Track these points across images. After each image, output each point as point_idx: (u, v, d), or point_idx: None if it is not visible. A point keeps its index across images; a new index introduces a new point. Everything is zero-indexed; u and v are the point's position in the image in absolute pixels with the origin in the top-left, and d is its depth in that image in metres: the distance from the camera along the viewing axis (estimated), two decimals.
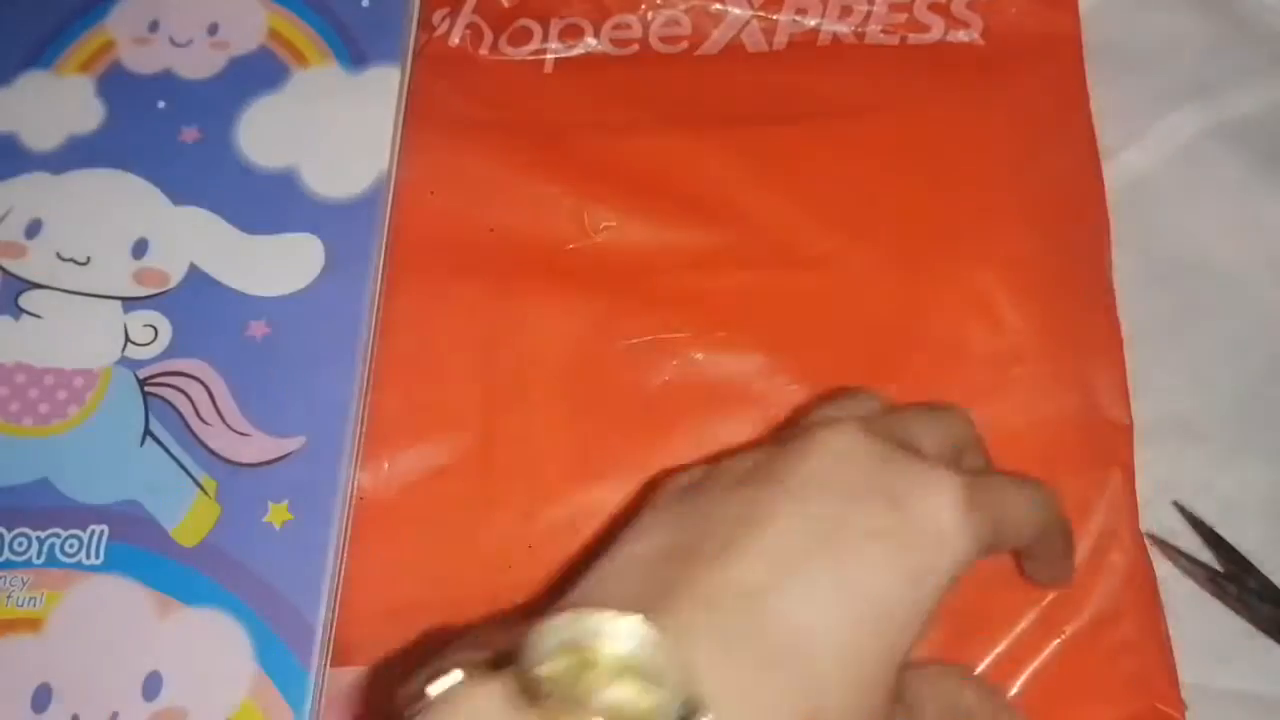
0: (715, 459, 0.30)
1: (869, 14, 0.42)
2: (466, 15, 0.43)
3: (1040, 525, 0.30)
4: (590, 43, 0.43)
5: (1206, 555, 0.36)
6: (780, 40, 0.43)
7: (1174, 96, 0.41)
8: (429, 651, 0.26)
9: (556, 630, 0.20)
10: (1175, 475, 0.37)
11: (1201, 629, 0.35)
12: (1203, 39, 0.42)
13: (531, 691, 0.20)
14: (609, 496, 0.36)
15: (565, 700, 0.20)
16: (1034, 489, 0.30)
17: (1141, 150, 0.41)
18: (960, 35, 0.42)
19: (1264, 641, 0.35)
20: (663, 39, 0.43)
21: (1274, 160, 0.40)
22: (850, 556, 0.26)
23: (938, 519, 0.27)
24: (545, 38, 0.43)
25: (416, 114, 0.41)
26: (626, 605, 0.24)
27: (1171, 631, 0.35)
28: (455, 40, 0.43)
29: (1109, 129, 0.41)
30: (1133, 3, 0.43)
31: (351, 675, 0.35)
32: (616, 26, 0.43)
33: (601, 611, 0.21)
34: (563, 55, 0.43)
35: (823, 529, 0.26)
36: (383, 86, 0.40)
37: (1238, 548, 0.36)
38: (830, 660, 0.25)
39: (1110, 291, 0.38)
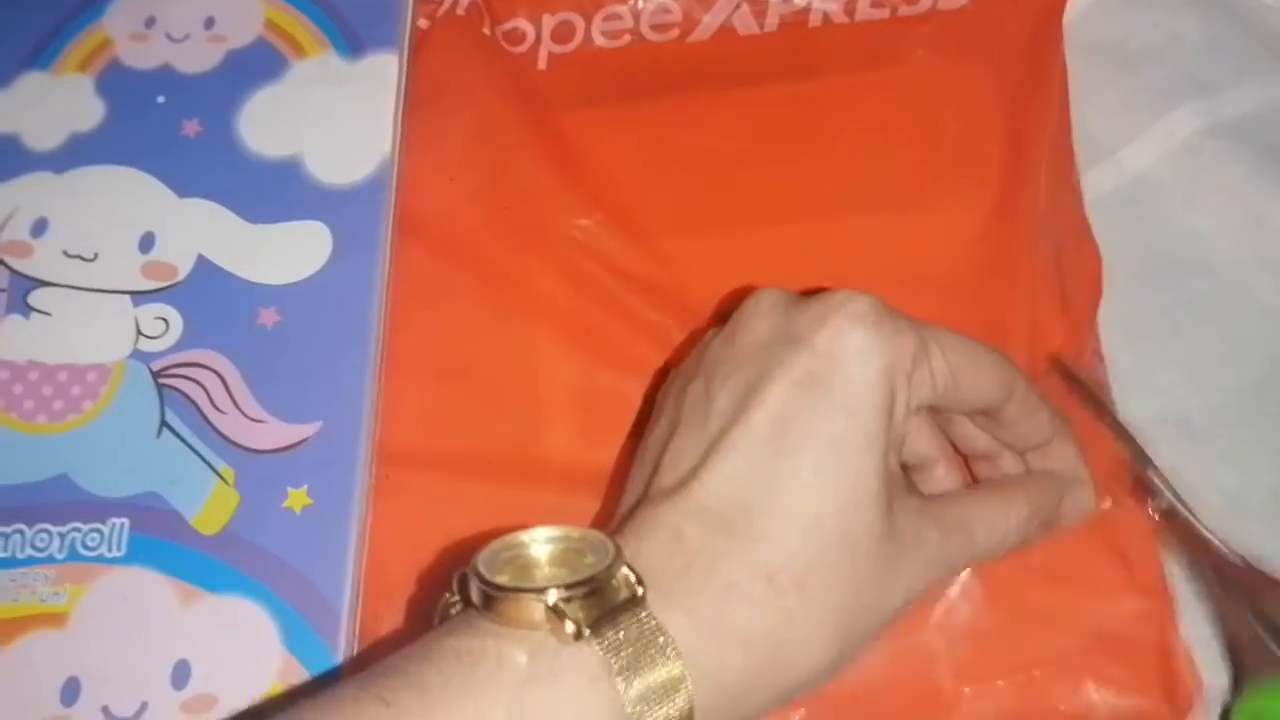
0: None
1: None
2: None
3: (993, 374, 0.30)
4: (582, 39, 0.43)
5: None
6: (771, 23, 0.43)
7: (1173, 95, 0.41)
8: None
9: (498, 550, 0.26)
10: (1176, 474, 0.36)
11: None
12: (1202, 37, 0.42)
13: (496, 594, 0.25)
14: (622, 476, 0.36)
15: (520, 588, 0.25)
16: (985, 346, 0.30)
17: (1141, 149, 0.41)
18: (951, 2, 0.42)
19: None
20: (654, 27, 0.43)
21: (1274, 158, 0.40)
22: (776, 409, 0.27)
23: (848, 341, 0.27)
24: (538, 39, 0.43)
25: (428, 97, 0.41)
26: (615, 528, 0.28)
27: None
28: (461, 10, 0.43)
29: (1109, 128, 0.41)
30: (1132, 1, 0.43)
31: None
32: (607, 18, 0.43)
33: (528, 529, 0.26)
34: (556, 52, 0.43)
35: (746, 391, 0.27)
36: (381, 73, 0.40)
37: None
38: (776, 519, 0.26)
39: (1089, 233, 0.39)
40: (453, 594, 0.26)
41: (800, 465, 0.26)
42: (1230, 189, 0.40)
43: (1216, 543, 0.33)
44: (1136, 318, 0.38)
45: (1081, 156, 0.41)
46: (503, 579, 0.25)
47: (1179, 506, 0.34)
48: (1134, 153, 0.41)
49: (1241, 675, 0.33)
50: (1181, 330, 0.38)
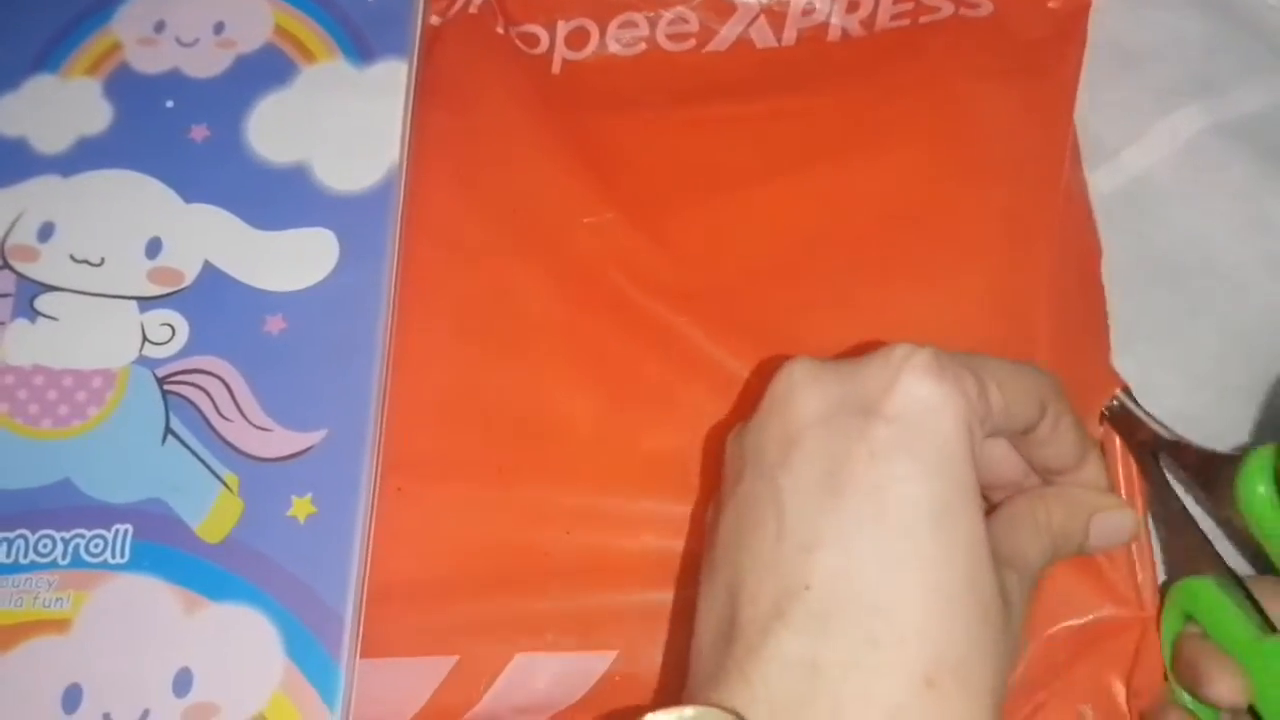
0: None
1: (876, 6, 0.42)
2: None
3: (1035, 393, 0.28)
4: (596, 45, 0.43)
5: None
6: (789, 36, 0.43)
7: (1176, 94, 0.41)
8: None
9: None
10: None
11: None
12: (1204, 37, 0.42)
13: None
14: (639, 478, 0.36)
15: None
16: (1024, 365, 0.29)
17: (1143, 149, 0.41)
18: (972, 12, 0.42)
19: None
20: (670, 37, 0.43)
21: (1277, 158, 0.40)
22: (869, 486, 0.25)
23: (920, 399, 0.25)
24: (552, 44, 0.43)
25: (440, 94, 0.41)
26: (709, 677, 0.25)
27: None
28: (474, 9, 0.43)
29: (1111, 128, 0.41)
30: (1134, 1, 0.43)
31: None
32: (623, 25, 0.43)
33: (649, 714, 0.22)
34: (571, 59, 0.43)
35: (823, 475, 0.25)
36: (391, 80, 0.40)
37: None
38: (917, 610, 0.24)
39: (1099, 275, 0.38)
40: None
41: (919, 544, 0.24)
42: (1233, 189, 0.40)
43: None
44: (1138, 319, 0.38)
45: (1084, 157, 0.40)
46: None
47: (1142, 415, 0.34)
48: (1136, 153, 0.41)
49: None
50: (1183, 331, 0.38)
